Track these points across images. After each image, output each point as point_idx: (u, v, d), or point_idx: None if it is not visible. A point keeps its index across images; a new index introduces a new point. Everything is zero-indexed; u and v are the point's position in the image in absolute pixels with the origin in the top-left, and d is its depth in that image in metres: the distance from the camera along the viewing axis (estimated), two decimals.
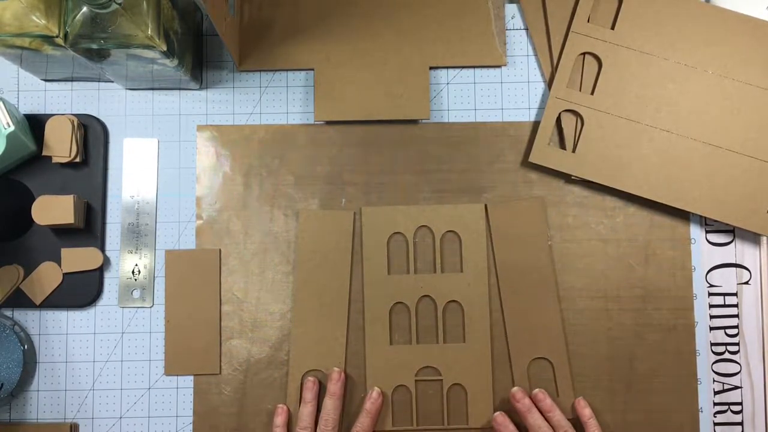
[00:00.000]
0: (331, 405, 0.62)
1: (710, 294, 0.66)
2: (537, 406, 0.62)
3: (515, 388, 0.63)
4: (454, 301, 0.65)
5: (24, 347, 0.64)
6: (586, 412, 0.62)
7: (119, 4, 0.52)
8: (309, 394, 0.63)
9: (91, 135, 0.67)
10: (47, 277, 0.65)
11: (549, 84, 0.67)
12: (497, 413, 0.63)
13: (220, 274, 0.66)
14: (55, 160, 0.65)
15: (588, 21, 0.66)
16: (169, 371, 0.65)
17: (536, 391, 0.63)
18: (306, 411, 0.63)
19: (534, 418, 0.61)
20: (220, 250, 0.66)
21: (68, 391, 0.65)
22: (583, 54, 0.66)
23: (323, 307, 0.65)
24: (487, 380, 0.64)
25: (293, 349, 0.65)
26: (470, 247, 0.65)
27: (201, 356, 0.65)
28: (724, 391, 0.65)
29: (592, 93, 0.66)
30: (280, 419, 0.63)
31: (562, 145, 0.66)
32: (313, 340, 0.65)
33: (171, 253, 0.66)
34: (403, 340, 0.65)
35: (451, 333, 0.65)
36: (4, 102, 0.61)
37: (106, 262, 0.66)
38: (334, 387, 0.63)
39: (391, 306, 0.65)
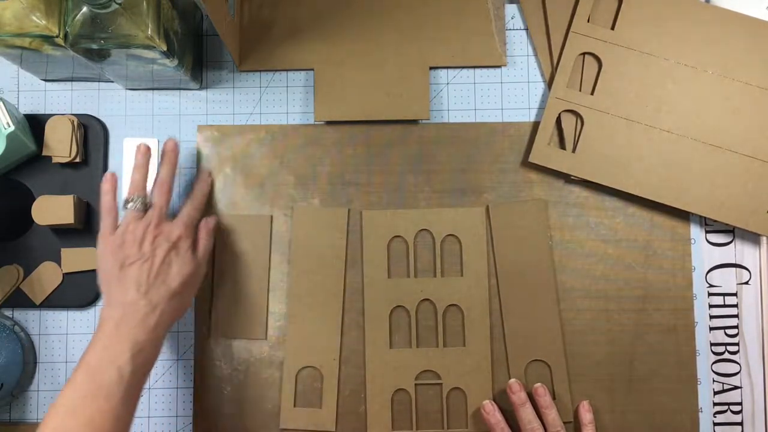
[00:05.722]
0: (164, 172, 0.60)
1: (710, 294, 0.66)
2: (536, 401, 0.62)
3: (513, 380, 0.62)
4: (454, 304, 0.65)
5: (24, 347, 0.64)
6: (587, 416, 0.62)
7: (119, 4, 0.52)
8: (142, 159, 0.61)
9: (91, 135, 0.67)
10: (47, 277, 0.65)
11: (549, 84, 0.67)
12: (486, 401, 0.63)
13: (270, 239, 0.66)
14: (55, 160, 0.65)
15: (588, 21, 0.66)
16: (215, 334, 0.65)
17: (537, 385, 0.62)
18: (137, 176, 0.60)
19: (526, 413, 0.61)
20: (271, 216, 0.66)
21: None
22: (583, 54, 0.66)
23: (317, 303, 0.65)
24: (486, 384, 0.64)
25: (288, 345, 0.64)
26: (470, 251, 0.65)
27: (248, 321, 0.65)
28: (724, 391, 0.65)
29: (592, 93, 0.66)
30: (108, 185, 0.60)
31: (562, 145, 0.66)
32: (308, 335, 0.65)
33: (223, 217, 0.66)
34: (403, 344, 0.65)
35: (451, 337, 0.65)
36: (4, 102, 0.61)
37: None
38: (142, 159, 0.61)
39: (391, 309, 0.65)
